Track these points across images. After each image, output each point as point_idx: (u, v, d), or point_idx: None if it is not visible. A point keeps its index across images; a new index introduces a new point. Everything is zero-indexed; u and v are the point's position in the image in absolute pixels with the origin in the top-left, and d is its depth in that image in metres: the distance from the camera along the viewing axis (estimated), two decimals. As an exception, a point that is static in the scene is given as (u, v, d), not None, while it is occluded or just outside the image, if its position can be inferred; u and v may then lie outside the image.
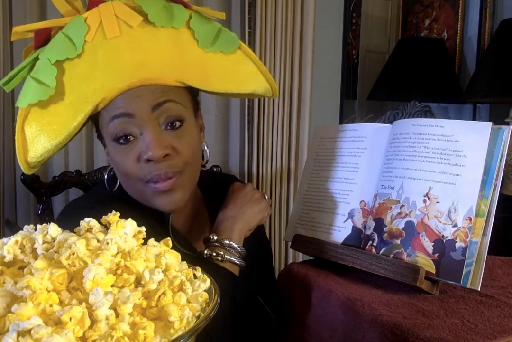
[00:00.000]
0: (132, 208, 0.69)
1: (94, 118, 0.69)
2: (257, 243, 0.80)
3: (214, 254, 0.69)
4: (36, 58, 0.64)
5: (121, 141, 0.66)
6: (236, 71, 0.71)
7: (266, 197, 0.79)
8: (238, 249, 0.70)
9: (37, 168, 0.71)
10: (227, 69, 0.70)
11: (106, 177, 0.75)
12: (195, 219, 0.81)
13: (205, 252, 0.69)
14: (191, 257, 0.70)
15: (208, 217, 0.82)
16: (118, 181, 0.73)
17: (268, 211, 0.78)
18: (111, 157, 0.70)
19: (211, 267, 0.66)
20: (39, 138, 0.67)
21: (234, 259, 0.69)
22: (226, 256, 0.69)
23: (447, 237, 0.61)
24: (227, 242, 0.70)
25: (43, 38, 0.66)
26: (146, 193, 0.68)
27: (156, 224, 0.69)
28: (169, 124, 0.66)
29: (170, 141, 0.66)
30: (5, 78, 0.66)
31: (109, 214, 0.42)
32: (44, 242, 0.40)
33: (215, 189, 0.85)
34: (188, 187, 0.70)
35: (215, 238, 0.70)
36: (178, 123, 0.67)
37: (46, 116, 0.65)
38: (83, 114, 0.64)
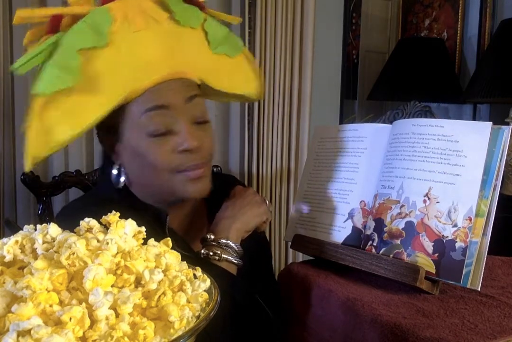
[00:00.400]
0: (129, 209, 0.68)
1: (116, 113, 0.67)
2: (256, 243, 0.79)
3: (211, 253, 0.69)
4: (55, 44, 0.63)
5: (156, 133, 0.67)
6: (238, 74, 0.75)
7: (267, 202, 0.79)
8: (235, 248, 0.70)
9: (35, 166, 0.68)
10: (232, 71, 0.74)
11: (112, 173, 0.73)
12: (193, 220, 0.81)
13: (202, 251, 0.69)
14: (188, 257, 0.69)
15: (207, 218, 0.82)
16: (123, 178, 0.72)
17: (267, 216, 0.77)
18: (135, 150, 0.69)
19: (208, 267, 0.66)
20: (58, 128, 0.63)
21: (232, 258, 0.69)
22: (223, 255, 0.69)
23: (447, 237, 0.61)
24: (224, 241, 0.70)
25: (57, 24, 0.65)
26: (174, 183, 0.69)
27: (153, 225, 0.69)
28: (199, 121, 0.70)
29: (199, 134, 0.69)
30: (20, 61, 0.63)
31: (109, 214, 0.42)
32: (44, 242, 0.40)
33: (215, 189, 0.85)
34: (210, 176, 0.73)
35: (212, 237, 0.70)
36: (203, 120, 0.71)
37: (69, 105, 0.63)
38: (111, 105, 0.64)
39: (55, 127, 0.63)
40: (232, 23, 0.78)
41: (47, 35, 0.65)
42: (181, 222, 0.78)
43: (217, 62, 0.72)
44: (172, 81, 0.67)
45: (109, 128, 0.70)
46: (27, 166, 0.65)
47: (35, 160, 0.65)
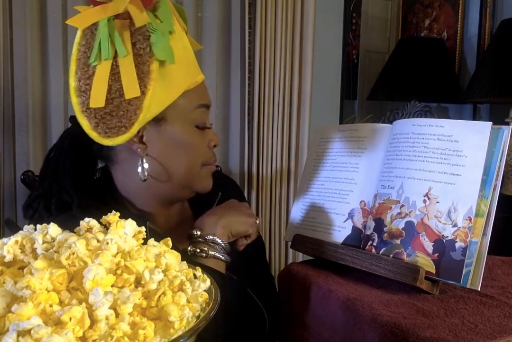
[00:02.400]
0: (105, 211, 0.67)
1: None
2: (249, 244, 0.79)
3: (198, 250, 0.68)
4: (156, 17, 0.63)
5: (201, 126, 0.74)
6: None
7: (257, 219, 0.79)
8: (222, 244, 0.70)
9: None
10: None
11: (141, 169, 0.70)
12: (178, 217, 0.81)
13: (189, 248, 0.68)
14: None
15: (191, 214, 0.83)
16: (144, 168, 0.70)
17: (252, 230, 0.75)
18: (179, 140, 0.72)
19: (195, 265, 0.65)
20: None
21: (219, 255, 0.69)
22: (210, 252, 0.68)
23: (447, 237, 0.61)
24: (211, 237, 0.69)
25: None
26: (201, 174, 0.76)
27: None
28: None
29: None
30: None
31: (109, 214, 0.43)
32: (44, 242, 0.40)
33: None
34: None
35: (199, 233, 0.70)
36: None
37: (163, 83, 0.64)
38: (182, 90, 0.69)
39: (155, 105, 0.64)
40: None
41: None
42: (165, 221, 0.78)
43: None
44: (204, 85, 0.76)
45: (154, 117, 0.69)
46: (124, 139, 0.63)
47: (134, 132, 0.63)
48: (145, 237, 0.68)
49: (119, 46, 0.62)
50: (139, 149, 0.70)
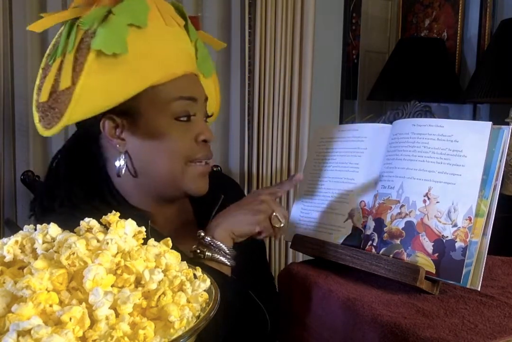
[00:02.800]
0: (104, 212, 0.66)
1: (140, 94, 0.69)
2: (252, 242, 0.79)
3: (198, 251, 0.68)
4: (109, 12, 0.65)
5: (183, 118, 0.72)
6: (209, 93, 0.82)
7: (279, 218, 0.72)
8: (222, 247, 0.69)
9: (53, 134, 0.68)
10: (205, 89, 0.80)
11: (117, 161, 0.72)
12: (181, 220, 0.81)
13: (193, 247, 0.69)
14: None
15: (193, 216, 0.83)
16: (121, 164, 0.71)
17: (261, 227, 0.71)
18: (156, 133, 0.71)
19: (195, 265, 0.65)
20: (93, 96, 0.65)
21: (220, 257, 0.68)
22: (207, 253, 0.68)
23: (447, 236, 0.61)
24: (208, 238, 0.69)
25: None
26: (187, 173, 0.73)
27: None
28: (206, 117, 0.78)
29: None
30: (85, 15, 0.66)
31: (109, 214, 0.43)
32: (44, 242, 0.40)
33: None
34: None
35: (202, 234, 0.70)
36: (207, 119, 0.78)
37: (110, 74, 0.65)
38: (145, 85, 0.68)
39: (90, 95, 0.65)
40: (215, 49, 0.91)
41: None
42: (166, 221, 0.78)
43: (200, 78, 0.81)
44: (195, 78, 0.75)
45: (126, 111, 0.70)
46: (57, 129, 0.65)
47: (67, 123, 0.65)
48: (146, 236, 0.69)
49: (70, 43, 0.65)
50: (118, 145, 0.72)
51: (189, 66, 0.74)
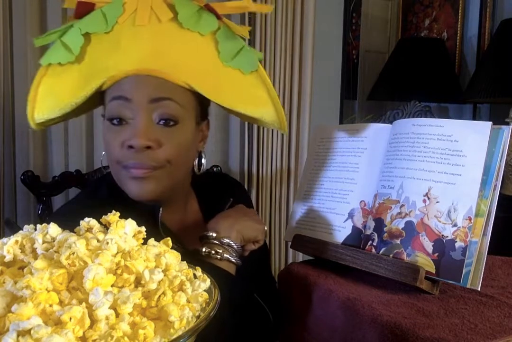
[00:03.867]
0: (117, 206, 0.66)
1: (102, 96, 0.71)
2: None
3: (213, 252, 0.68)
4: (71, 26, 0.69)
5: (114, 122, 0.67)
6: (247, 93, 0.72)
7: (265, 227, 0.78)
8: (235, 247, 0.70)
9: (43, 128, 0.74)
10: (239, 88, 0.71)
11: (102, 159, 0.77)
12: (187, 220, 0.81)
13: (203, 249, 0.69)
14: (185, 253, 0.69)
15: (202, 218, 0.83)
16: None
17: (262, 237, 0.76)
18: (103, 135, 0.72)
19: (207, 265, 0.66)
20: (48, 98, 0.70)
21: (232, 258, 0.69)
22: (225, 255, 0.68)
23: (447, 236, 0.61)
24: (227, 240, 0.69)
25: (86, 11, 0.70)
26: (122, 176, 0.69)
27: (145, 222, 0.68)
28: (162, 121, 0.67)
29: (157, 136, 0.66)
30: (41, 36, 0.72)
31: (109, 214, 0.42)
32: (44, 242, 0.40)
33: (211, 189, 0.85)
34: (164, 182, 0.69)
35: (214, 235, 0.70)
36: (171, 122, 0.68)
37: (60, 79, 0.69)
38: (90, 87, 0.67)
39: (45, 97, 0.70)
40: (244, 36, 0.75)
41: (73, 19, 0.71)
42: (175, 220, 0.78)
43: (224, 75, 0.70)
44: (149, 78, 0.66)
45: (103, 115, 0.73)
46: (31, 123, 0.71)
47: (36, 121, 0.71)
48: (157, 225, 0.70)
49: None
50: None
51: (142, 63, 0.66)
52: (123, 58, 0.67)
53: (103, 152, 0.75)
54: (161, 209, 0.71)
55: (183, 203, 0.80)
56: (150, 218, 0.70)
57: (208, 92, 0.69)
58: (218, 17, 0.71)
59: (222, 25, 0.71)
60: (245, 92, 0.71)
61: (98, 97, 0.71)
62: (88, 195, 0.79)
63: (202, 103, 0.73)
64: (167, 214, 0.74)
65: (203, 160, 0.78)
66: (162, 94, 0.66)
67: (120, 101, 0.66)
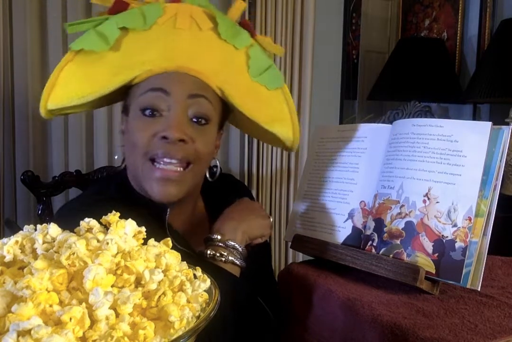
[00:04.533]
0: (127, 207, 0.66)
1: (127, 91, 0.72)
2: (257, 244, 0.79)
3: (218, 254, 0.68)
4: (106, 19, 0.70)
5: (147, 112, 0.68)
6: (270, 107, 0.76)
7: (271, 219, 0.80)
8: (240, 250, 0.70)
9: (52, 117, 0.74)
10: (264, 102, 0.75)
11: (116, 157, 0.79)
12: (194, 221, 0.81)
13: (208, 252, 0.69)
14: (191, 256, 0.69)
15: (208, 220, 0.83)
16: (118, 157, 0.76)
17: (269, 231, 0.78)
18: (129, 127, 0.71)
19: (212, 268, 0.66)
20: (69, 86, 0.69)
21: (236, 261, 0.69)
22: (229, 257, 0.68)
23: (447, 237, 0.61)
24: (231, 243, 0.70)
25: (121, 8, 0.71)
26: (145, 172, 0.69)
27: (153, 222, 0.68)
28: (196, 118, 0.70)
29: (190, 131, 0.68)
30: (73, 22, 0.71)
31: (109, 214, 0.42)
32: (44, 242, 0.40)
33: (216, 190, 0.85)
34: (187, 184, 0.71)
35: (219, 237, 0.70)
36: (203, 121, 0.70)
37: (87, 68, 0.69)
38: (123, 78, 0.69)
39: (67, 83, 0.69)
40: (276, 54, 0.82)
41: (108, 14, 0.71)
42: (182, 222, 0.78)
43: (251, 88, 0.74)
44: (186, 76, 0.69)
45: (124, 107, 0.74)
46: (41, 110, 0.71)
47: (48, 107, 0.70)
48: (164, 225, 0.70)
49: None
50: (121, 140, 0.76)
51: (182, 62, 0.69)
52: (163, 54, 0.69)
53: (120, 147, 0.76)
54: (168, 210, 0.71)
55: (191, 204, 0.80)
56: (157, 218, 0.70)
57: (237, 100, 0.72)
58: (252, 34, 0.75)
59: (255, 42, 0.75)
60: (269, 107, 0.75)
61: (119, 95, 0.72)
62: (95, 193, 0.78)
63: (224, 113, 0.77)
64: (174, 215, 0.74)
65: (218, 168, 0.81)
66: (199, 92, 0.69)
67: (158, 93, 0.68)
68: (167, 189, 0.68)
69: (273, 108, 0.76)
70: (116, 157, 0.78)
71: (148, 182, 0.69)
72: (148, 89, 0.69)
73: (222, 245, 0.69)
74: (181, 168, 0.69)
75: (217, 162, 0.80)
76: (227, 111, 0.77)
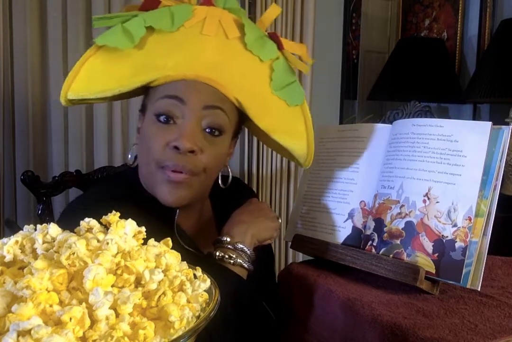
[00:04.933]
0: (135, 206, 0.66)
1: (147, 90, 0.72)
2: (261, 247, 0.79)
3: (227, 256, 0.69)
4: (134, 16, 0.68)
5: (162, 119, 0.68)
6: (287, 123, 0.75)
7: (280, 220, 0.80)
8: (249, 253, 0.70)
9: (73, 105, 0.73)
10: (281, 117, 0.74)
11: (129, 156, 0.77)
12: (201, 224, 0.81)
13: (217, 253, 0.69)
14: (199, 257, 0.70)
15: (215, 222, 0.83)
16: (130, 156, 0.76)
17: (277, 232, 0.78)
18: (144, 130, 0.71)
19: (221, 269, 0.66)
20: (91, 79, 0.68)
21: (244, 264, 0.69)
22: (238, 260, 0.69)
23: (447, 236, 0.61)
24: (241, 245, 0.70)
25: (152, 6, 0.70)
26: (157, 177, 0.69)
27: (161, 222, 0.69)
28: (209, 129, 0.69)
29: (202, 142, 0.68)
30: (100, 16, 0.71)
31: (109, 214, 0.42)
32: (44, 242, 0.40)
33: (224, 193, 0.85)
34: (194, 190, 0.70)
35: (228, 240, 0.70)
36: (217, 132, 0.70)
37: (109, 64, 0.68)
38: (142, 78, 0.68)
39: (88, 76, 0.68)
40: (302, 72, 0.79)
41: (138, 10, 0.71)
42: (190, 224, 0.78)
43: (270, 102, 0.72)
44: (204, 85, 0.68)
45: (142, 108, 0.74)
46: (62, 99, 0.69)
47: (68, 96, 0.68)
48: (172, 226, 0.70)
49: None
50: (136, 138, 0.76)
51: (202, 71, 0.68)
52: (185, 61, 0.68)
53: (134, 146, 0.75)
54: (177, 211, 0.72)
55: (199, 207, 0.80)
56: (166, 219, 0.71)
57: (253, 112, 0.71)
58: (280, 47, 0.73)
59: (282, 56, 0.73)
60: (285, 122, 0.74)
61: (141, 90, 0.71)
62: (103, 192, 0.77)
63: (240, 122, 0.76)
64: (182, 216, 0.74)
65: (230, 175, 0.80)
66: (215, 103, 0.69)
67: (174, 101, 0.67)
68: (175, 191, 0.68)
69: (289, 125, 0.75)
70: (129, 156, 0.77)
71: (158, 186, 0.69)
72: (164, 95, 0.68)
73: (231, 247, 0.70)
74: (189, 175, 0.69)
75: (229, 170, 0.80)
76: (243, 120, 0.77)
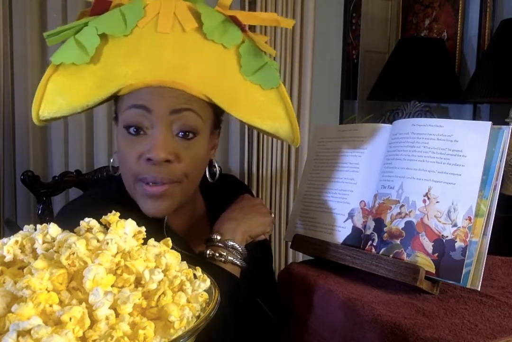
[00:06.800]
0: (127, 208, 0.64)
1: (116, 99, 0.70)
2: (258, 245, 0.79)
3: (217, 254, 0.68)
4: (86, 24, 0.65)
5: (131, 131, 0.66)
6: (265, 108, 0.71)
7: (272, 215, 0.79)
8: (240, 250, 0.70)
9: (47, 123, 0.71)
10: (257, 102, 0.70)
11: (111, 161, 0.76)
12: (194, 222, 0.81)
13: (207, 252, 0.69)
14: (190, 257, 0.69)
15: (208, 220, 0.82)
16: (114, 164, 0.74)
17: (270, 228, 0.78)
18: (119, 142, 0.69)
19: (212, 268, 0.66)
20: (57, 98, 0.66)
21: (236, 261, 0.69)
22: (228, 257, 0.68)
23: (447, 236, 0.61)
24: (231, 243, 0.70)
25: (102, 9, 0.66)
26: (136, 190, 0.68)
27: (151, 224, 0.68)
28: (182, 133, 0.66)
29: (176, 149, 0.66)
30: (51, 31, 0.68)
31: (109, 214, 0.42)
32: (44, 242, 0.40)
33: (218, 191, 0.85)
34: (178, 198, 0.69)
35: (219, 238, 0.70)
36: (191, 135, 0.67)
37: (71, 80, 0.66)
38: (105, 92, 0.66)
39: (53, 96, 0.66)
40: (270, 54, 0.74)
41: (90, 16, 0.67)
42: (182, 224, 0.78)
43: (243, 89, 0.69)
44: (169, 90, 0.65)
45: (115, 114, 0.72)
46: (34, 119, 0.68)
47: (40, 117, 0.67)
48: (163, 234, 0.70)
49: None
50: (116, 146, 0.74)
51: (165, 75, 0.65)
52: (144, 68, 0.65)
53: (114, 152, 0.74)
54: (166, 217, 0.71)
55: (190, 206, 0.80)
56: (156, 220, 0.70)
57: (226, 105, 0.69)
58: (243, 30, 0.69)
59: (247, 39, 0.69)
60: (263, 107, 0.71)
61: (111, 98, 0.69)
62: (97, 194, 0.78)
63: (216, 113, 0.73)
64: (173, 217, 0.74)
65: (217, 169, 0.78)
66: (183, 105, 0.66)
67: (140, 111, 0.65)
68: (157, 204, 0.67)
69: (268, 109, 0.71)
70: (112, 160, 0.76)
71: (139, 200, 0.68)
72: (131, 105, 0.66)
73: (221, 245, 0.69)
74: (170, 185, 0.67)
75: (215, 162, 0.78)
76: (221, 111, 0.74)
